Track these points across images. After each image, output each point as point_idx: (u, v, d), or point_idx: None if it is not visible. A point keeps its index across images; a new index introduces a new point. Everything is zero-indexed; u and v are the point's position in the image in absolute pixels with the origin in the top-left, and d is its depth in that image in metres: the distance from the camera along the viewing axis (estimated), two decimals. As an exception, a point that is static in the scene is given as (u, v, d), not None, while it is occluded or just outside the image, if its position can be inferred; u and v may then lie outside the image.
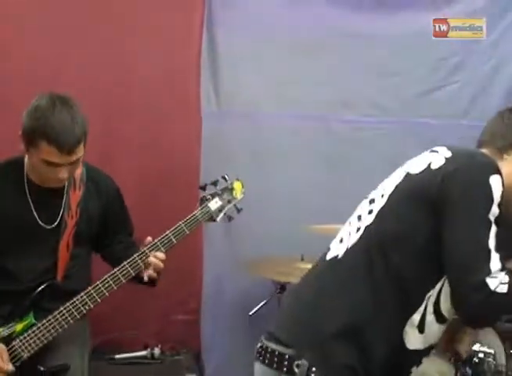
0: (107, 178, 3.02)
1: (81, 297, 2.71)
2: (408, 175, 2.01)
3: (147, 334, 3.89)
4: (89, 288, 2.72)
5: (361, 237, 1.99)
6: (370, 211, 2.03)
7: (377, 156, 4.05)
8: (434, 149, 2.04)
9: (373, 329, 1.88)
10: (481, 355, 2.61)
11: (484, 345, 2.66)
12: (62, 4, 3.68)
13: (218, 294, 3.97)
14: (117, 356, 3.68)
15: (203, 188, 2.94)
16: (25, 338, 2.66)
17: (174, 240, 2.79)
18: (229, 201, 2.97)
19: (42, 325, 2.67)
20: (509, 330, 3.44)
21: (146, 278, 2.77)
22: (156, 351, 3.71)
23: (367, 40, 3.95)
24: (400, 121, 4.05)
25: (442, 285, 1.89)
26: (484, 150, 2.09)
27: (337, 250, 2.06)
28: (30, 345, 2.66)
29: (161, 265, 2.78)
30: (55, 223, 2.81)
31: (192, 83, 3.87)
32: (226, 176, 3.00)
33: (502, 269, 1.79)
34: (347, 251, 2.01)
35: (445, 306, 1.92)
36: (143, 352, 3.72)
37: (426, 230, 1.88)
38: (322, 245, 3.55)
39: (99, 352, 3.63)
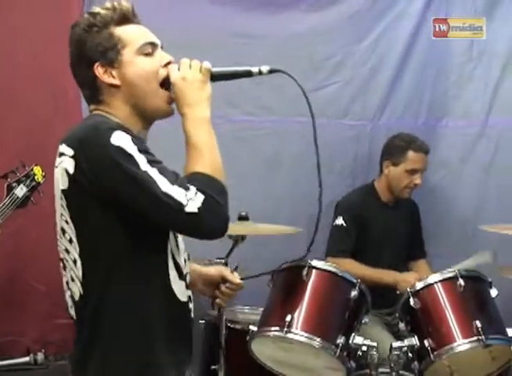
0: None
1: None
2: None
3: (29, 339, 3.79)
4: None
5: None
6: None
7: (260, 155, 4.10)
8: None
9: None
10: (364, 348, 2.70)
11: (368, 338, 2.75)
12: None
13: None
14: (-2, 364, 3.58)
15: (5, 177, 3.09)
16: None
17: None
18: (34, 187, 3.14)
19: None
20: (391, 323, 3.57)
21: None
22: (40, 356, 3.64)
23: (251, 40, 3.98)
24: (283, 121, 4.10)
25: None
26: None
27: None
28: None
29: None
30: None
31: (71, 81, 3.79)
32: (24, 163, 3.19)
33: None
34: None
35: None
36: (26, 358, 3.64)
37: None
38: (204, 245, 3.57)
39: (-22, 360, 3.52)
